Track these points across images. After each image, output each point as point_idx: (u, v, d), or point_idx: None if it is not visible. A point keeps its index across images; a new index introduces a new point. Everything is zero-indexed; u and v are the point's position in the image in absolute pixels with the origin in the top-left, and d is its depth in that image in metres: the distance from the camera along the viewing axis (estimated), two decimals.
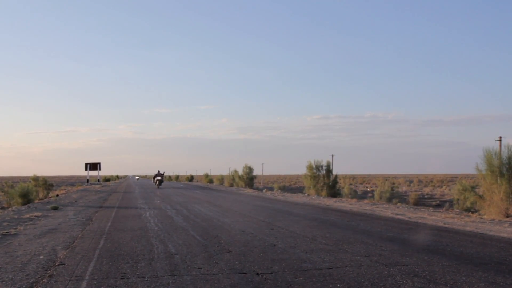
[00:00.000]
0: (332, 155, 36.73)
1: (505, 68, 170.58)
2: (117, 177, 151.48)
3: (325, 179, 30.38)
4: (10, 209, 18.40)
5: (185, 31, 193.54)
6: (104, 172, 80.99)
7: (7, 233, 10.32)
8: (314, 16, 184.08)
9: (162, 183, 43.64)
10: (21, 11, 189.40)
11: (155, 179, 44.64)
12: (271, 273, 6.10)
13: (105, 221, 12.81)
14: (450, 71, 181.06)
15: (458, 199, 17.08)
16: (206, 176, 77.72)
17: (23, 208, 17.81)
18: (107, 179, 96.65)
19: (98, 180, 62.41)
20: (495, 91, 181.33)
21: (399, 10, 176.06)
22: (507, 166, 14.50)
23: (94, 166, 55.70)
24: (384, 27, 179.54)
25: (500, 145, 19.26)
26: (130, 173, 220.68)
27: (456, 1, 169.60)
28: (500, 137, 21.12)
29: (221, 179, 65.29)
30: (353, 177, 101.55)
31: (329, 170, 30.77)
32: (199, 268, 6.41)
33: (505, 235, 9.85)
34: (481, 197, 15.26)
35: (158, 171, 44.92)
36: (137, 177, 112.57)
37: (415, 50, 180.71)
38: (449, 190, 43.35)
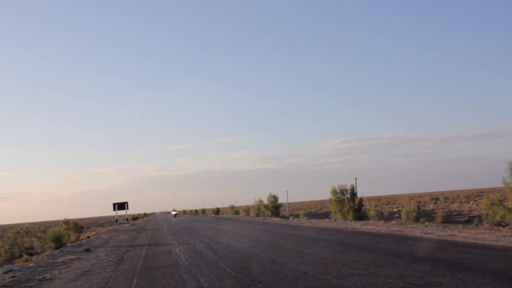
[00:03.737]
0: (356, 178, 36.30)
1: None
2: (145, 214, 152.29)
3: (350, 203, 30.12)
4: (44, 254, 18.83)
5: (194, 70, 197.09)
6: (131, 210, 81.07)
7: (43, 278, 10.61)
8: (321, 42, 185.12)
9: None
10: (47, 53, 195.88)
11: None
12: None
13: (137, 260, 13.02)
14: (464, 86, 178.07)
15: (487, 214, 16.78)
16: (232, 207, 77.66)
17: (57, 252, 18.20)
18: (135, 218, 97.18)
19: (127, 219, 63.00)
20: None
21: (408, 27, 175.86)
22: None
23: (121, 205, 56.39)
24: (391, 48, 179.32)
25: None
26: (157, 210, 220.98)
27: (467, 4, 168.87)
28: None
29: (247, 209, 65.08)
30: (378, 199, 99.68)
31: (353, 194, 30.54)
32: None
33: None
34: (510, 210, 15.00)
35: None
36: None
37: (427, 69, 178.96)
38: (477, 205, 42.26)
